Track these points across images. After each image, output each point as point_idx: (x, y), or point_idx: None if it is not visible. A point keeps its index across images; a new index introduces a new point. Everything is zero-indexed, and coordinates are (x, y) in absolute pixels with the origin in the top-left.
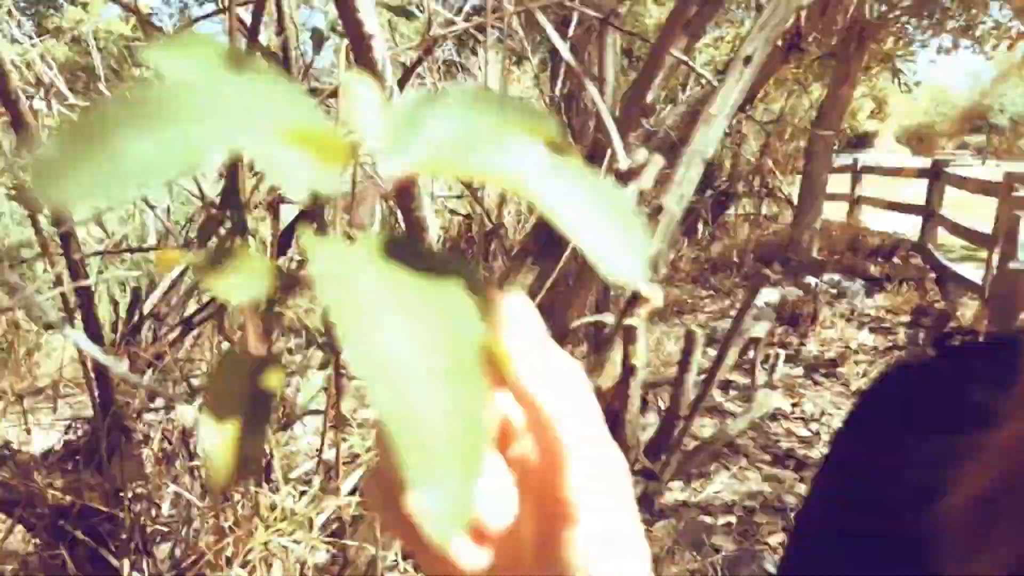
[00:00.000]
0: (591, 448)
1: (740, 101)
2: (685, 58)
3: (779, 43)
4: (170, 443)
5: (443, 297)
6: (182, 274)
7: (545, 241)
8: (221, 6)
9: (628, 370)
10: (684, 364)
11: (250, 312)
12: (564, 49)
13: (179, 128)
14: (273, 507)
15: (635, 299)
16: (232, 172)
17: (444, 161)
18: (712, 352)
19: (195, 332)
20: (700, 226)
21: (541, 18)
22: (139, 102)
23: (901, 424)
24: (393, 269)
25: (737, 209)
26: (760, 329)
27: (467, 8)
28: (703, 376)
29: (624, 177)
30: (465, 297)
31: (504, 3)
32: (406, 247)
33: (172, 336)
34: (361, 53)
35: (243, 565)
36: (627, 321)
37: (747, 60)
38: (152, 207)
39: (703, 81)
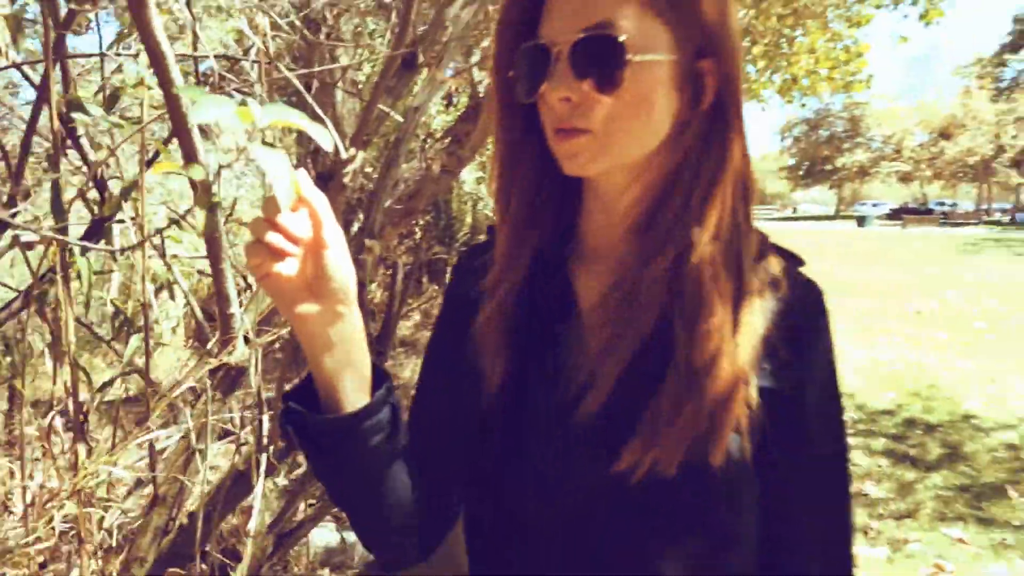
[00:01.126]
0: (333, 223)
1: (414, 130)
2: (389, 109)
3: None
4: None
5: (279, 155)
6: None
7: None
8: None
9: (361, 285)
10: (393, 282)
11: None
12: (310, 99)
13: (218, 108)
14: (89, 453)
15: (362, 247)
16: (56, 191)
17: (278, 120)
18: None
19: None
20: (448, 273)
21: (296, 82)
22: (209, 101)
23: (464, 260)
24: (268, 148)
25: None
26: None
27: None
28: None
29: (344, 163)
30: (286, 155)
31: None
32: (269, 148)
33: None
34: (172, 104)
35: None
36: (360, 257)
37: (416, 110)
38: None
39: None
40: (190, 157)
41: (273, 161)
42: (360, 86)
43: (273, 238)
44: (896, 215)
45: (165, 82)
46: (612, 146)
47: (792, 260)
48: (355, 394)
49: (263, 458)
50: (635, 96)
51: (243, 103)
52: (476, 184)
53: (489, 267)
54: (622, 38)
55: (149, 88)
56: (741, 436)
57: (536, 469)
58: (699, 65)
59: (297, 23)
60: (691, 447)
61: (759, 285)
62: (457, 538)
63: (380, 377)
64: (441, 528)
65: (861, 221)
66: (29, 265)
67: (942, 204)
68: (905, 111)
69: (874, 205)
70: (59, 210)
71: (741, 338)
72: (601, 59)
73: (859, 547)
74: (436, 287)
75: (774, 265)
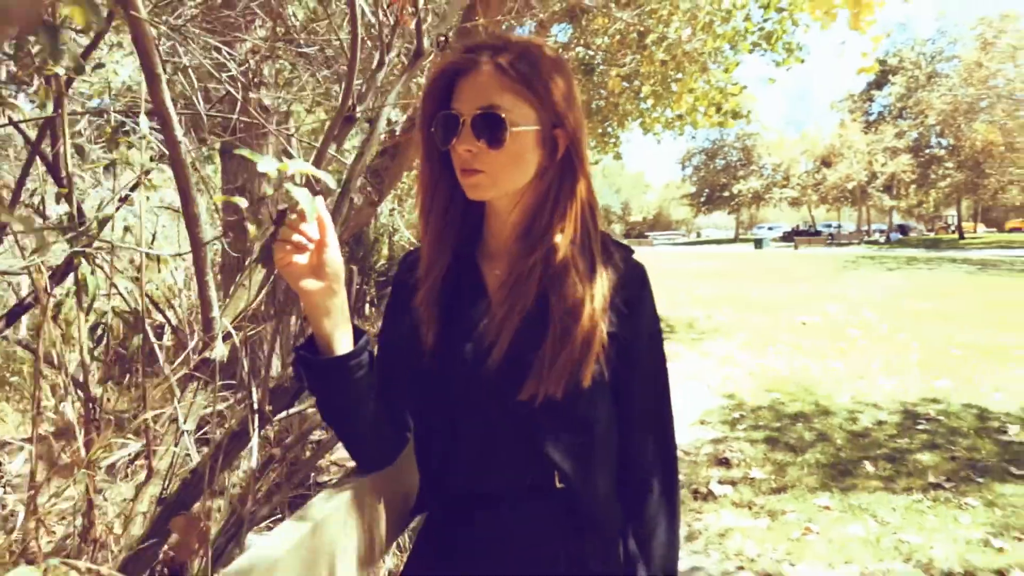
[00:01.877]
0: (333, 231)
1: (361, 171)
2: (335, 154)
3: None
4: None
5: (304, 189)
6: None
7: None
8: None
9: None
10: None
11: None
12: (289, 147)
13: (269, 163)
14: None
15: None
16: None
17: (301, 169)
18: None
19: None
20: (367, 306)
21: (276, 133)
22: (263, 159)
23: (406, 260)
24: (296, 187)
25: None
26: None
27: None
28: None
29: (312, 189)
30: (307, 190)
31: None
32: (305, 185)
33: None
34: (175, 156)
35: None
36: None
37: (360, 155)
38: None
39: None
40: (187, 196)
41: (301, 192)
42: (294, 128)
43: (297, 239)
44: (789, 237)
45: (170, 137)
46: (498, 182)
47: (626, 250)
48: (344, 344)
49: (256, 417)
50: (513, 151)
51: (282, 160)
52: (390, 216)
53: (421, 264)
54: (504, 115)
55: (148, 141)
56: (600, 365)
57: (461, 401)
58: (554, 132)
59: (236, 74)
60: (569, 376)
61: (604, 267)
62: (407, 458)
63: (359, 334)
64: (398, 443)
65: (758, 243)
66: (32, 278)
67: (829, 226)
68: (791, 142)
69: (770, 228)
70: (78, 235)
71: (595, 301)
72: (491, 128)
73: (743, 520)
74: (355, 318)
75: (614, 253)
